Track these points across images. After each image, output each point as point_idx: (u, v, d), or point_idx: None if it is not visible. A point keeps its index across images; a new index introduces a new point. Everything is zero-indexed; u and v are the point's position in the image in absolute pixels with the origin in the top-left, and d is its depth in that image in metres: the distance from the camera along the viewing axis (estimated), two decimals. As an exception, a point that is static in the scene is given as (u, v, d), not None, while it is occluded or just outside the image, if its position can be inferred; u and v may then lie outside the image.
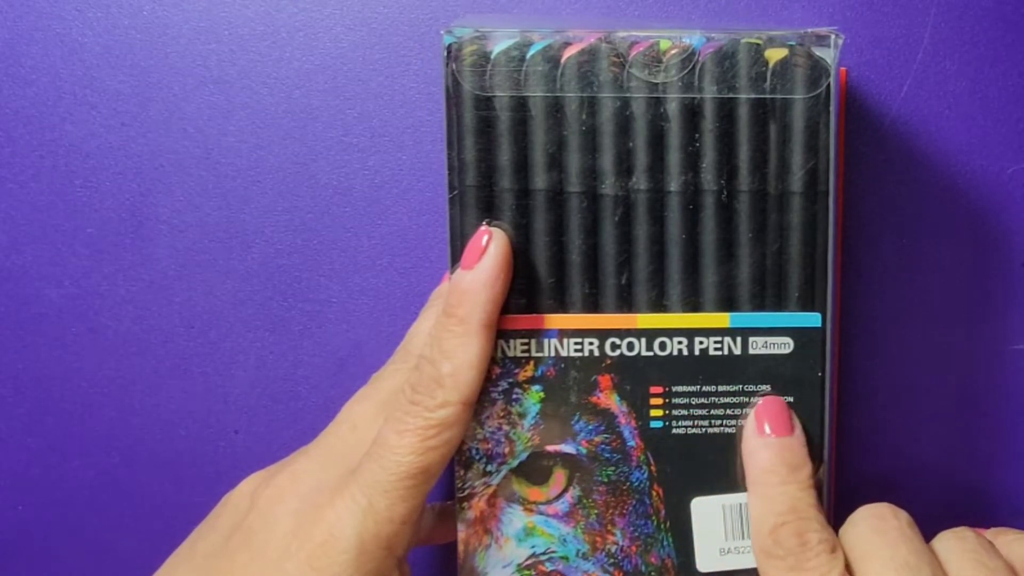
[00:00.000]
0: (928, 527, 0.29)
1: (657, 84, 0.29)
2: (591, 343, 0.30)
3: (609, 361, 0.30)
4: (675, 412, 0.30)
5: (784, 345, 0.30)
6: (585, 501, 0.31)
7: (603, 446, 0.30)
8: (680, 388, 0.30)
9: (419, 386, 0.28)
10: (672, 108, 0.29)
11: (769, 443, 0.29)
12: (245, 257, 0.37)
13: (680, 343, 0.30)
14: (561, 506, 0.30)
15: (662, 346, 0.30)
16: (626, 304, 0.30)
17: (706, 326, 0.30)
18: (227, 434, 0.37)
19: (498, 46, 0.29)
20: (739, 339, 0.30)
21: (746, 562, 0.30)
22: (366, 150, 0.37)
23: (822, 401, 0.30)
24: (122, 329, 0.37)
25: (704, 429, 0.30)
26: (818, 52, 0.29)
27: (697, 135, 0.29)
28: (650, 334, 0.30)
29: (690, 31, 0.29)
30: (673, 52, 0.29)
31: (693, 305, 0.30)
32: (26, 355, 0.37)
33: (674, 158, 0.29)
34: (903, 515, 0.28)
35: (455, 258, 0.29)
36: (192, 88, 0.36)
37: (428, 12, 0.36)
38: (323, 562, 0.27)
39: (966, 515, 0.38)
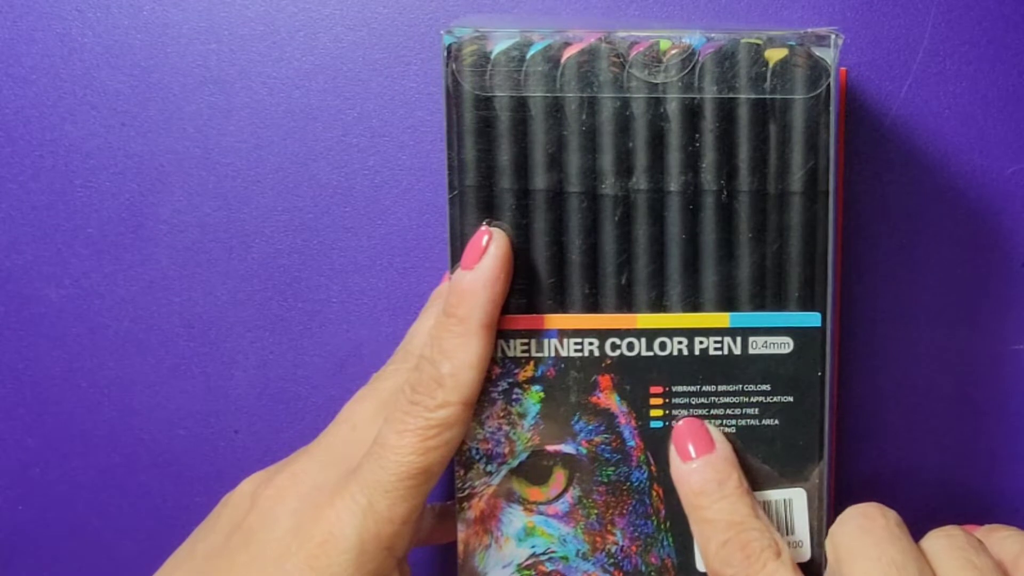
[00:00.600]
0: (927, 527, 0.29)
1: (657, 84, 0.29)
2: (591, 343, 0.30)
3: (609, 361, 0.30)
4: (675, 412, 0.30)
5: (784, 345, 0.30)
6: (585, 501, 0.31)
7: (603, 446, 0.30)
8: (680, 388, 0.30)
9: (419, 386, 0.28)
10: (672, 108, 0.29)
11: (693, 467, 0.29)
12: (245, 257, 0.37)
13: (680, 343, 0.30)
14: (561, 506, 0.30)
15: (662, 346, 0.30)
16: (626, 304, 0.30)
17: (706, 326, 0.30)
18: (227, 434, 0.37)
19: (498, 46, 0.29)
20: (739, 339, 0.30)
21: (746, 562, 0.30)
22: (366, 150, 0.37)
23: (822, 401, 0.30)
24: (122, 329, 0.37)
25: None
26: (818, 52, 0.29)
27: (697, 135, 0.29)
28: (650, 334, 0.30)
29: (690, 31, 0.29)
30: (673, 52, 0.29)
31: (693, 305, 0.30)
32: (26, 355, 0.37)
33: (674, 158, 0.29)
34: (891, 514, 0.28)
35: (455, 258, 0.29)
36: (192, 88, 0.36)
37: (428, 12, 0.36)
38: (323, 562, 0.27)
39: (965, 514, 0.38)
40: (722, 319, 0.30)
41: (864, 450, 0.37)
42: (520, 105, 0.29)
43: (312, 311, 0.37)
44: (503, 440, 0.30)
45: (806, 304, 0.30)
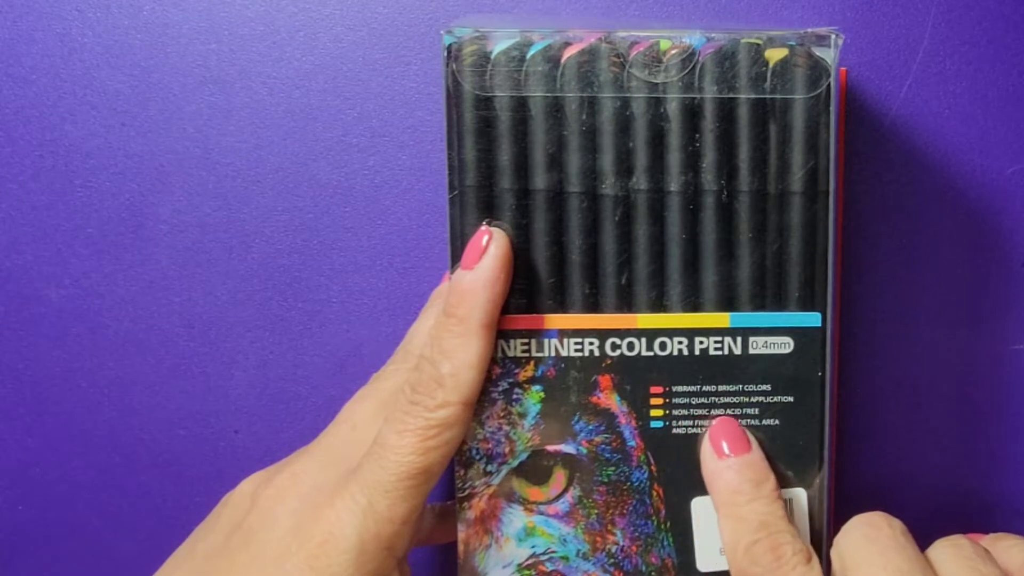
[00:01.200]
0: (927, 527, 0.29)
1: (657, 84, 0.29)
2: (591, 343, 0.30)
3: (609, 361, 0.30)
4: (675, 412, 0.30)
5: (784, 345, 0.30)
6: (585, 501, 0.31)
7: (603, 446, 0.30)
8: (680, 388, 0.30)
9: (419, 386, 0.28)
10: (672, 108, 0.29)
11: (731, 464, 0.29)
12: (245, 257, 0.37)
13: (680, 343, 0.30)
14: (561, 506, 0.30)
15: (662, 346, 0.30)
16: (626, 304, 0.30)
17: (706, 326, 0.30)
18: (227, 434, 0.37)
19: (498, 46, 0.29)
20: (739, 339, 0.30)
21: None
22: (366, 150, 0.37)
23: (822, 401, 0.30)
24: (122, 329, 0.37)
25: (704, 429, 0.30)
26: (818, 52, 0.29)
27: (697, 135, 0.29)
28: (650, 334, 0.30)
29: (690, 31, 0.29)
30: (673, 52, 0.29)
31: (693, 305, 0.30)
32: (26, 355, 0.37)
33: (674, 158, 0.29)
34: (897, 523, 0.28)
35: (455, 258, 0.29)
36: (192, 88, 0.36)
37: (428, 12, 0.36)
38: (323, 562, 0.27)
39: (965, 515, 0.38)
40: (722, 319, 0.30)
41: (864, 450, 0.37)
42: (520, 105, 0.29)
43: (312, 311, 0.37)
44: (503, 440, 0.30)
45: (806, 304, 0.30)
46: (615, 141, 0.29)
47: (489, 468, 0.30)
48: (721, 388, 0.30)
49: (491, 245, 0.29)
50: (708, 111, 0.29)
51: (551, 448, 0.30)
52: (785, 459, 0.30)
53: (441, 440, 0.28)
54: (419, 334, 0.31)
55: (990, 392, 0.37)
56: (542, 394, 0.30)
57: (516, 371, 0.30)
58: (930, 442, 0.38)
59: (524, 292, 0.30)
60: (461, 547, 0.30)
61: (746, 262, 0.30)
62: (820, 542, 0.31)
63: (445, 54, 0.29)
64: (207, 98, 0.36)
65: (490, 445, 0.30)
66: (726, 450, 0.29)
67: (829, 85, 0.29)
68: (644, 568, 0.31)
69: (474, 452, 0.30)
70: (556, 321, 0.30)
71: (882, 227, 0.37)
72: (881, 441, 0.37)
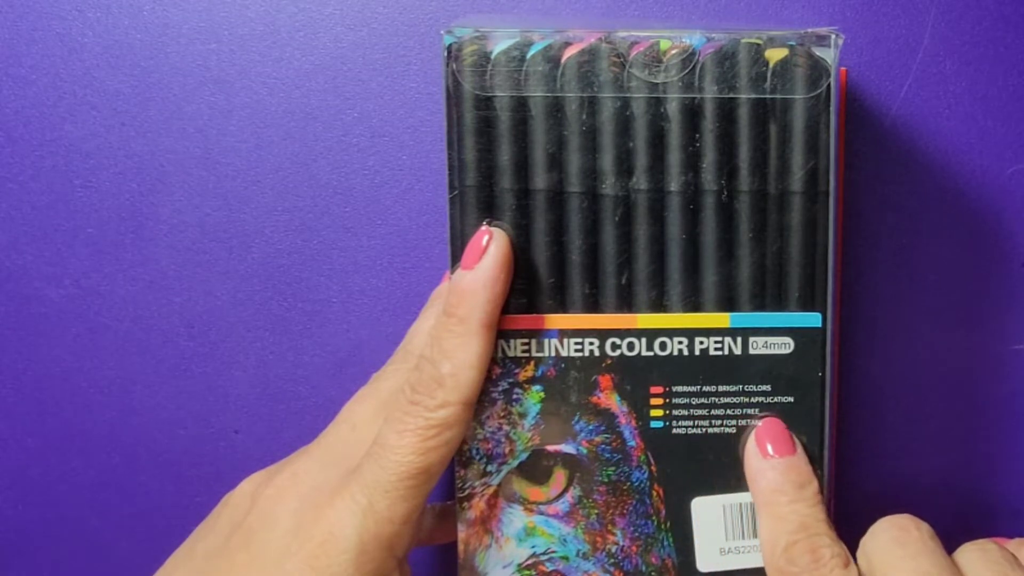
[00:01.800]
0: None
1: (657, 84, 0.29)
2: (591, 343, 0.30)
3: (609, 361, 0.30)
4: (675, 412, 0.30)
5: (784, 345, 0.30)
6: (585, 501, 0.31)
7: (603, 446, 0.30)
8: (680, 388, 0.30)
9: (419, 386, 0.28)
10: (672, 108, 0.29)
11: (775, 464, 0.29)
12: (245, 257, 0.37)
13: (680, 343, 0.30)
14: (561, 506, 0.30)
15: (662, 346, 0.30)
16: (626, 304, 0.30)
17: (706, 326, 0.30)
18: (227, 434, 0.37)
19: (498, 46, 0.29)
20: (739, 339, 0.30)
21: (747, 562, 0.30)
22: (366, 150, 0.37)
23: (822, 401, 0.30)
24: (122, 329, 0.37)
25: (704, 429, 0.30)
26: (818, 52, 0.29)
27: (697, 135, 0.29)
28: (650, 334, 0.30)
29: (690, 31, 0.29)
30: (673, 52, 0.29)
31: (693, 305, 0.30)
32: (26, 355, 0.37)
33: (674, 158, 0.29)
34: (925, 527, 0.28)
35: (455, 258, 0.29)
36: (192, 88, 0.36)
37: (428, 12, 0.36)
38: (323, 562, 0.27)
39: (965, 515, 0.38)
40: (722, 319, 0.30)
41: (864, 450, 0.37)
42: (520, 105, 0.29)
43: (312, 311, 0.37)
44: (503, 440, 0.30)
45: (806, 304, 0.30)
46: (615, 141, 0.29)
47: (489, 468, 0.30)
48: (721, 388, 0.30)
49: (491, 245, 0.29)
50: (708, 111, 0.29)
51: (551, 448, 0.30)
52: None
53: (441, 440, 0.28)
54: (419, 334, 0.31)
55: (990, 392, 0.37)
56: (542, 394, 0.30)
57: (516, 371, 0.30)
58: (930, 442, 0.37)
59: (524, 292, 0.30)
60: (461, 547, 0.30)
61: (746, 262, 0.30)
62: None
63: (445, 54, 0.29)
64: (207, 98, 0.36)
65: (490, 445, 0.30)
66: (770, 451, 0.29)
67: (829, 85, 0.29)
68: (644, 568, 0.31)
69: (474, 452, 0.30)
70: (556, 321, 0.30)
71: (882, 227, 0.37)
72: (881, 441, 0.37)
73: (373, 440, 0.28)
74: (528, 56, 0.29)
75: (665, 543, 0.31)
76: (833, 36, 0.29)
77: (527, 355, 0.30)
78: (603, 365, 0.30)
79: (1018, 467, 0.38)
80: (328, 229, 0.37)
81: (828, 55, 0.29)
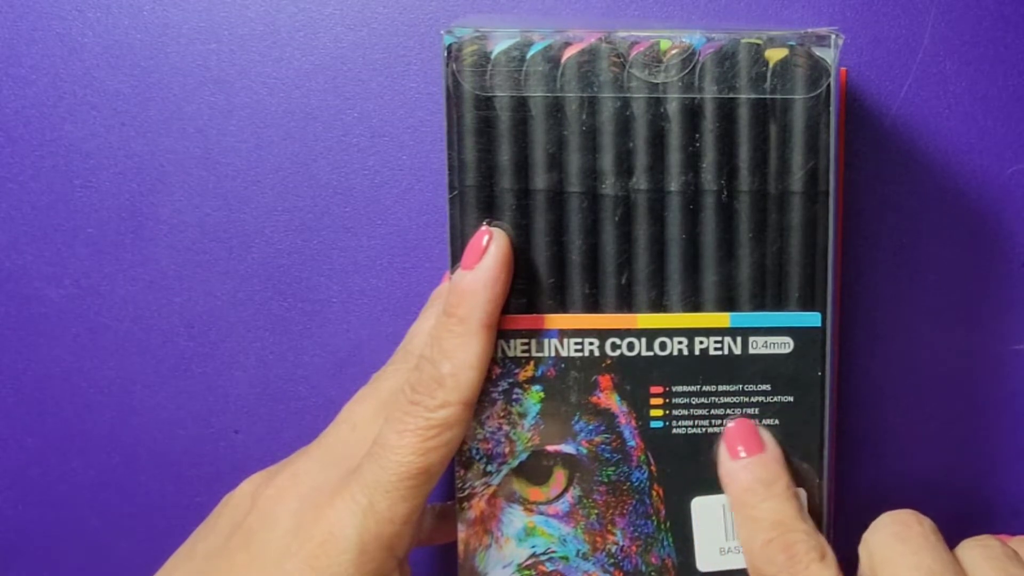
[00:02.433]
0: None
1: (657, 84, 0.29)
2: (591, 343, 0.30)
3: (609, 361, 0.30)
4: (675, 412, 0.30)
5: (784, 345, 0.30)
6: (585, 501, 0.31)
7: (603, 446, 0.30)
8: (680, 388, 0.30)
9: (419, 386, 0.28)
10: (672, 108, 0.29)
11: (744, 464, 0.29)
12: (245, 257, 0.37)
13: (680, 343, 0.30)
14: (561, 506, 0.30)
15: (662, 346, 0.30)
16: (626, 304, 0.30)
17: (706, 326, 0.30)
18: (227, 434, 0.37)
19: (498, 46, 0.29)
20: (739, 339, 0.30)
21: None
22: (366, 150, 0.37)
23: (822, 401, 0.30)
24: (122, 329, 0.37)
25: (704, 429, 0.30)
26: (818, 52, 0.29)
27: (697, 135, 0.29)
28: (650, 334, 0.30)
29: (690, 31, 0.29)
30: (673, 52, 0.29)
31: (693, 305, 0.30)
32: (26, 355, 0.37)
33: (674, 158, 0.29)
34: (927, 522, 0.28)
35: (455, 258, 0.29)
36: (192, 88, 0.36)
37: (428, 12, 0.36)
38: (323, 562, 0.27)
39: (965, 515, 0.38)
40: (722, 319, 0.30)
41: (864, 450, 0.37)
42: (520, 105, 0.29)
43: (312, 311, 0.37)
44: (503, 440, 0.30)
45: (806, 304, 0.30)
46: (615, 141, 0.29)
47: (489, 468, 0.30)
48: (721, 388, 0.30)
49: (491, 245, 0.29)
50: (708, 111, 0.29)
51: (551, 448, 0.30)
52: (785, 459, 0.30)
53: (441, 440, 0.28)
54: (419, 334, 0.31)
55: (990, 392, 0.37)
56: (542, 394, 0.30)
57: (516, 371, 0.30)
58: (930, 442, 0.38)
59: (524, 292, 0.30)
60: (461, 547, 0.30)
61: (746, 262, 0.30)
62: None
63: (445, 54, 0.29)
64: (207, 98, 0.36)
65: (490, 445, 0.30)
66: (740, 451, 0.29)
67: (829, 85, 0.29)
68: (644, 568, 0.31)
69: (474, 452, 0.30)
70: (556, 321, 0.30)
71: (882, 227, 0.37)
72: (881, 441, 0.37)
73: (373, 440, 0.28)
74: (528, 56, 0.29)
75: (665, 543, 0.31)
76: (833, 36, 0.29)
77: (527, 355, 0.30)
78: (603, 365, 0.30)
79: (1018, 467, 0.38)
80: (328, 229, 0.37)
81: (828, 55, 0.29)
